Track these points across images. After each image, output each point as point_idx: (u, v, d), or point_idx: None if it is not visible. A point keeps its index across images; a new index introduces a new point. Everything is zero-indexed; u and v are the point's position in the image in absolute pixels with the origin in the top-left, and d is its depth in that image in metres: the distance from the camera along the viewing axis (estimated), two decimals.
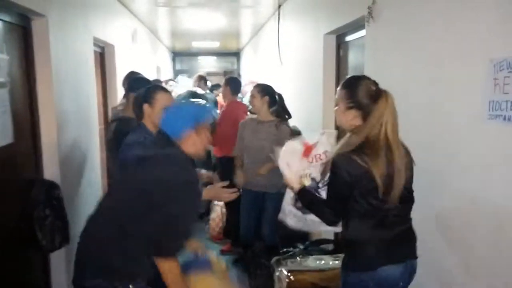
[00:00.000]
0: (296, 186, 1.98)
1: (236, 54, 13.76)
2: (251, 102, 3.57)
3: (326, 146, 2.02)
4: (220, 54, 13.97)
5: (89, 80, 3.82)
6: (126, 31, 5.74)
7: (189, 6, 6.04)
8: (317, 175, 2.00)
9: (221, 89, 5.33)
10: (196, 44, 10.78)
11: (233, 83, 4.70)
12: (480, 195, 1.68)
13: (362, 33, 3.05)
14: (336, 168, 1.71)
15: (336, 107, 1.85)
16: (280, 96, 3.60)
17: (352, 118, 1.77)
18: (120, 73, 4.85)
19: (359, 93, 1.74)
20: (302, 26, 4.77)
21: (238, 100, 5.66)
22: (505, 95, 1.50)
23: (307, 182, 1.98)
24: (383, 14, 2.59)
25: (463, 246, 1.83)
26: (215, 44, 11.01)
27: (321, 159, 2.00)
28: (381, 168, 1.65)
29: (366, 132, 1.69)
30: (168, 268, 1.74)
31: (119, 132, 2.93)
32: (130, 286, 1.74)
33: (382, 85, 1.85)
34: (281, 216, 2.20)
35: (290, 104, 5.29)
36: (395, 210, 1.72)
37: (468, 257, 1.80)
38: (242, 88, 8.75)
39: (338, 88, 1.86)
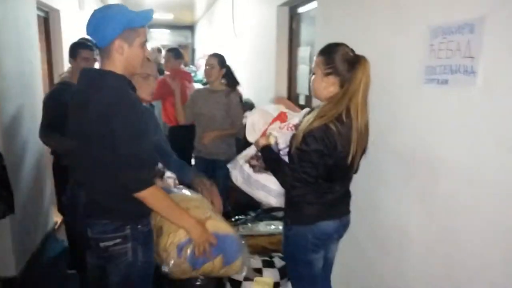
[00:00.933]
0: (263, 142, 1.95)
1: (191, 28, 13.49)
2: (208, 72, 3.54)
3: (300, 119, 2.00)
4: (174, 27, 13.63)
5: (32, 45, 3.64)
6: None
7: None
8: (281, 142, 1.98)
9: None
10: None
11: (174, 50, 4.71)
12: (418, 150, 1.80)
13: (314, 4, 3.10)
14: (314, 139, 1.69)
15: (313, 76, 1.84)
16: (228, 66, 3.62)
17: (330, 85, 1.77)
18: (67, 40, 4.64)
19: (337, 59, 1.74)
20: None
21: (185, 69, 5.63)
22: (439, 59, 1.60)
23: (273, 141, 1.96)
24: None
25: (398, 196, 1.96)
26: (168, 16, 10.72)
27: (292, 130, 1.98)
28: (355, 136, 1.71)
29: (347, 101, 1.70)
30: (149, 195, 1.61)
31: (56, 94, 2.84)
32: (139, 226, 1.71)
33: None
34: (230, 166, 2.20)
35: (243, 76, 5.31)
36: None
37: (402, 211, 1.93)
38: (196, 61, 8.76)
39: (316, 56, 1.85)
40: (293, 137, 1.84)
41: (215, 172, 3.49)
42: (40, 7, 4.17)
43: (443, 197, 1.64)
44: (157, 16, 10.46)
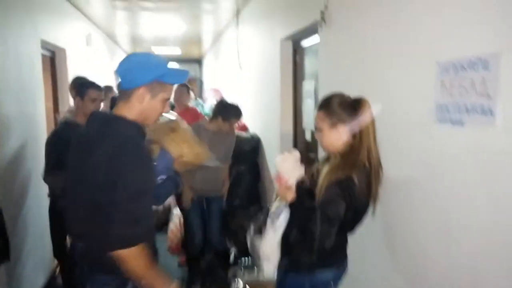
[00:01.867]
0: (291, 194, 1.68)
1: (198, 61, 13.64)
2: (213, 123, 3.49)
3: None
4: (182, 60, 13.80)
5: (35, 84, 3.62)
6: (79, 34, 5.53)
7: (148, 11, 5.90)
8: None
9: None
10: (156, 50, 10.58)
11: (186, 86, 4.73)
12: (429, 196, 1.66)
13: (317, 38, 3.04)
14: (339, 189, 1.62)
15: (320, 133, 1.78)
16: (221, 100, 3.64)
17: (341, 135, 1.72)
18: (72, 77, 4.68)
19: (337, 107, 1.72)
20: (259, 31, 4.74)
21: (193, 105, 5.61)
22: (451, 97, 1.48)
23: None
24: (335, 19, 2.57)
25: (408, 246, 1.81)
26: (176, 51, 10.86)
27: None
28: (374, 184, 1.69)
29: (366, 145, 1.68)
30: (130, 255, 1.46)
31: (61, 134, 2.78)
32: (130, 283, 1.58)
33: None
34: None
35: (249, 109, 5.27)
36: None
37: (415, 255, 1.78)
38: (203, 94, 8.79)
39: (315, 114, 1.82)
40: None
41: (208, 207, 3.45)
42: (46, 46, 4.19)
43: (457, 239, 1.49)
44: (165, 50, 10.60)
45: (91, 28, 6.19)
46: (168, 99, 1.64)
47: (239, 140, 4.83)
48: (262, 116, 4.77)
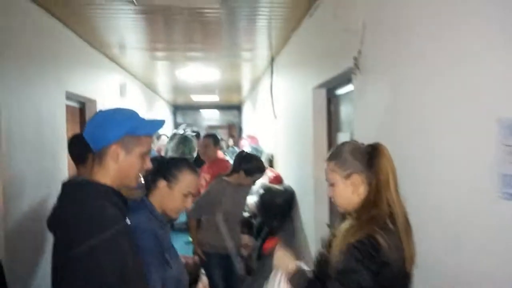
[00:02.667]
0: (292, 265, 1.56)
1: (238, 107, 13.66)
2: (234, 177, 3.25)
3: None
4: (222, 107, 13.88)
5: (57, 138, 3.51)
6: (113, 84, 5.53)
7: (188, 60, 5.88)
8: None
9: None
10: (196, 98, 10.66)
11: (213, 136, 4.49)
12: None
13: (351, 86, 2.73)
14: (359, 253, 1.33)
15: (331, 187, 1.51)
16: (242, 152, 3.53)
17: (357, 186, 1.45)
18: None
19: (350, 155, 1.48)
20: (292, 79, 4.51)
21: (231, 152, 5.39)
22: None
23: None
24: (371, 65, 2.27)
25: None
26: (214, 98, 10.89)
27: None
28: (405, 240, 1.36)
29: (386, 197, 1.39)
30: None
31: None
32: None
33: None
34: None
35: (283, 158, 4.97)
36: None
37: None
38: (239, 141, 8.61)
39: (325, 166, 1.55)
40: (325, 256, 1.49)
41: (232, 266, 3.25)
42: (74, 98, 4.15)
43: None
44: (203, 98, 10.66)
45: (126, 78, 6.22)
46: (147, 152, 1.42)
47: (271, 193, 4.51)
48: (296, 167, 4.45)
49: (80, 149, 2.52)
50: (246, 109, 11.68)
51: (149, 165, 1.44)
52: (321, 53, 3.28)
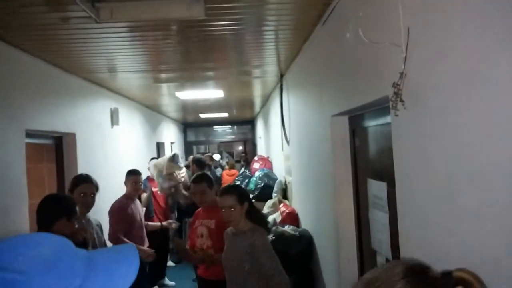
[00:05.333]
0: None
1: (251, 122, 12.93)
2: (228, 214, 2.57)
3: None
4: (234, 122, 13.16)
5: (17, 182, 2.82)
6: (101, 112, 4.85)
7: (192, 81, 5.19)
8: None
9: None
10: (204, 116, 9.97)
11: (205, 178, 3.54)
12: None
13: (387, 118, 1.94)
14: None
15: None
16: (249, 198, 2.82)
17: None
18: (94, 163, 4.20)
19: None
20: (305, 102, 3.73)
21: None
22: None
23: None
24: (416, 94, 1.49)
25: None
26: (224, 115, 10.20)
27: None
28: None
29: None
30: None
31: None
32: None
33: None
34: None
35: (298, 191, 4.18)
36: None
37: None
38: (252, 162, 7.75)
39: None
40: None
41: None
42: (44, 134, 3.47)
43: None
44: (212, 115, 9.98)
45: (119, 103, 5.53)
46: None
47: (284, 241, 3.71)
48: (314, 210, 3.65)
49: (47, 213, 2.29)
50: (259, 124, 10.92)
51: None
52: (340, 71, 2.50)
